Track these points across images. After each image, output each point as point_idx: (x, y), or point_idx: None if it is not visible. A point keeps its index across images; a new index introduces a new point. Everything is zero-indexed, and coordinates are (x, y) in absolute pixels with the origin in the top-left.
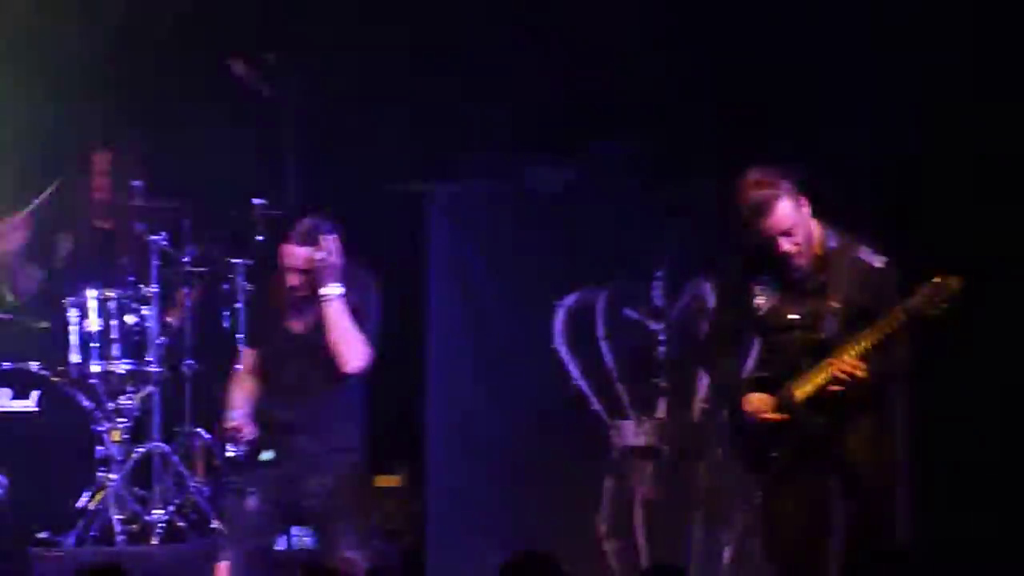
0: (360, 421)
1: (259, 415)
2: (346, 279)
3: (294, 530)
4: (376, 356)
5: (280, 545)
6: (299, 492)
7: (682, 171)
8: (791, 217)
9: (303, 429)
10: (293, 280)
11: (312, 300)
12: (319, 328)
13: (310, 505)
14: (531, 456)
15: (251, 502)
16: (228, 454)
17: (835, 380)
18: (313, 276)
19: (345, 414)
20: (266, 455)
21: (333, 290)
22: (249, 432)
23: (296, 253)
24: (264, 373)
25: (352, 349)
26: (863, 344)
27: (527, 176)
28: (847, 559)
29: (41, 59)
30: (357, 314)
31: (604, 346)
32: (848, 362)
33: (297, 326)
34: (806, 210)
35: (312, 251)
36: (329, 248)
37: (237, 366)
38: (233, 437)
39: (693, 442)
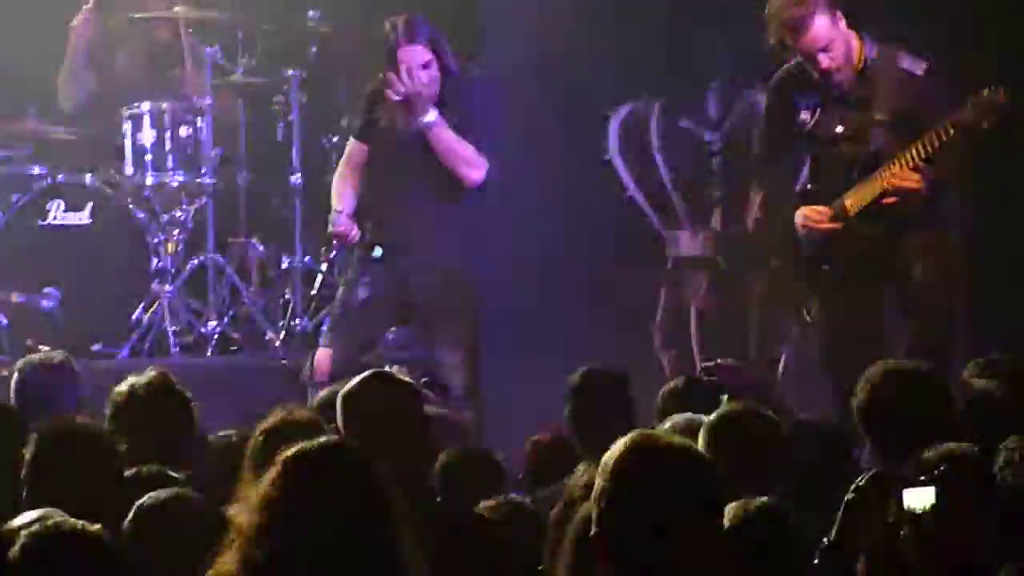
0: (463, 228)
1: (369, 212)
2: (445, 90)
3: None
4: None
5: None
6: (407, 288)
7: None
8: (828, 33)
9: (413, 229)
10: (425, 78)
11: (432, 103)
12: (422, 135)
13: (417, 302)
14: (585, 267)
15: (361, 292)
16: (283, 266)
17: (887, 192)
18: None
19: (451, 218)
20: (377, 251)
21: (430, 116)
22: (354, 235)
23: (419, 50)
24: (372, 171)
25: (466, 166)
26: (912, 154)
27: None
28: None
29: None
30: (461, 130)
31: (658, 157)
32: (900, 173)
33: (405, 124)
34: (842, 23)
35: (426, 48)
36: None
37: (345, 165)
38: (339, 240)
39: (747, 252)
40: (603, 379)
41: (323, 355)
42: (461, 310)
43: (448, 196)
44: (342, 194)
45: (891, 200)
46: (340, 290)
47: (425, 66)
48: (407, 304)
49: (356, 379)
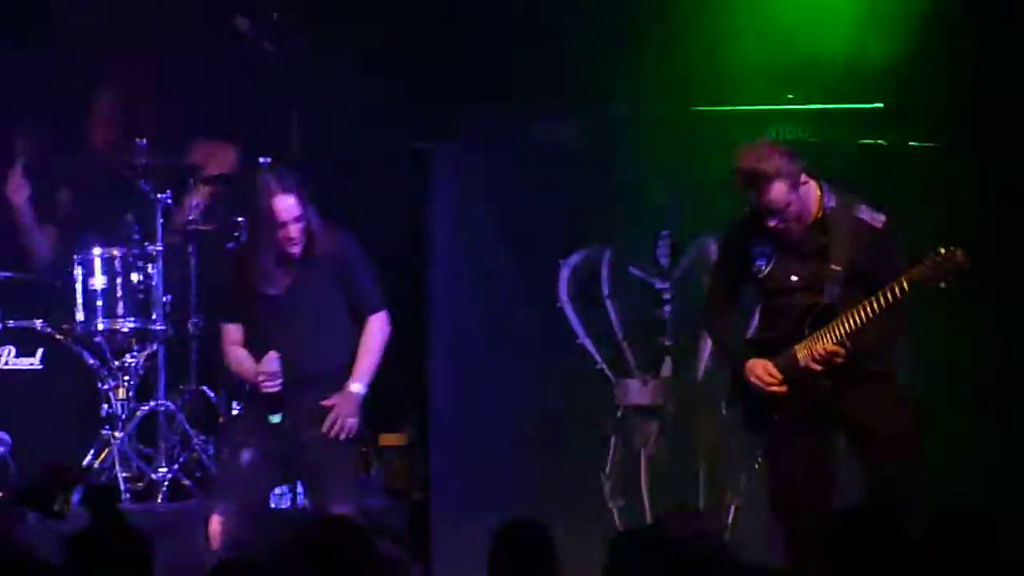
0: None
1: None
2: (328, 240)
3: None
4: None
5: (285, 503)
6: (294, 445)
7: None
8: (783, 199)
9: (303, 385)
10: (294, 231)
11: (297, 257)
12: (301, 286)
13: (303, 458)
14: (536, 415)
15: (245, 456)
16: (233, 412)
17: (815, 361)
18: (306, 227)
19: (341, 362)
20: (275, 418)
21: (360, 389)
22: (278, 380)
23: (292, 203)
24: (250, 344)
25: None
26: (867, 309)
27: (530, 134)
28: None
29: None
30: (353, 276)
31: (609, 305)
32: (822, 350)
33: (274, 289)
34: (804, 187)
35: (298, 199)
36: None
37: (228, 345)
38: (268, 382)
39: (698, 401)
40: (525, 532)
41: (215, 524)
42: (351, 461)
43: (321, 342)
44: (248, 359)
45: (815, 367)
46: (224, 451)
47: (297, 219)
48: (293, 458)
49: (312, 523)
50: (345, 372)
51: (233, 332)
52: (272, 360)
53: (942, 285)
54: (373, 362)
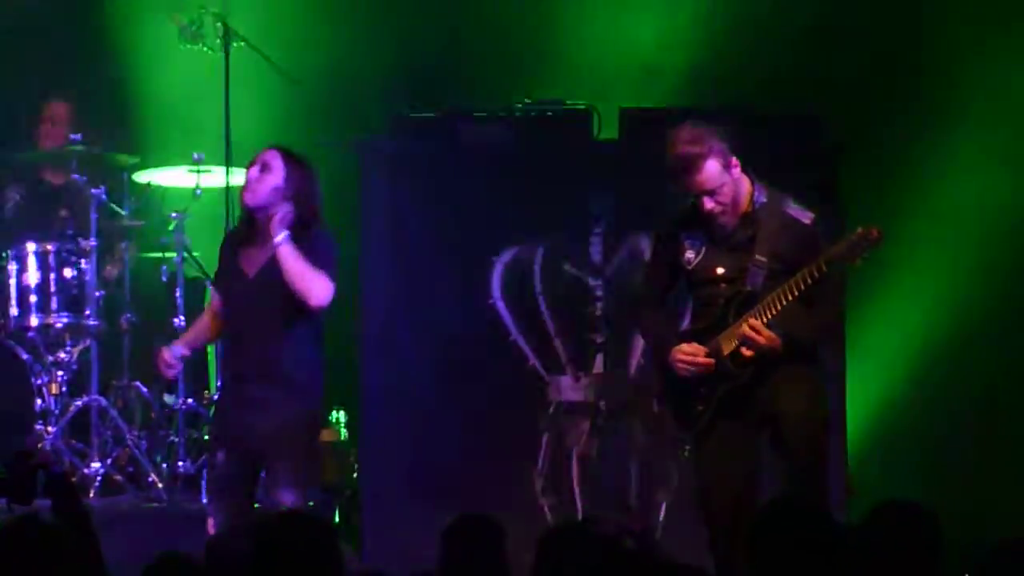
0: (315, 361)
1: (224, 360)
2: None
3: None
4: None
5: None
6: (254, 436)
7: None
8: (717, 178)
9: (257, 374)
10: (254, 173)
11: (267, 237)
12: (270, 269)
13: (257, 446)
14: (467, 412)
15: (219, 457)
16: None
17: (744, 343)
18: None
19: (298, 356)
20: (168, 398)
21: (278, 235)
22: (171, 373)
23: (272, 152)
24: (224, 316)
25: (310, 285)
26: (787, 292)
27: (462, 132)
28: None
29: None
30: (311, 256)
31: (541, 301)
32: (752, 326)
33: (249, 267)
34: (736, 171)
35: (264, 172)
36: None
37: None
38: (161, 367)
39: (629, 398)
40: (475, 525)
41: (211, 527)
42: (302, 450)
43: (286, 328)
44: (189, 331)
45: (748, 352)
46: (208, 456)
47: (265, 167)
48: (255, 449)
49: (272, 516)
50: (296, 370)
51: (213, 297)
52: (174, 350)
53: (858, 263)
54: (301, 263)
